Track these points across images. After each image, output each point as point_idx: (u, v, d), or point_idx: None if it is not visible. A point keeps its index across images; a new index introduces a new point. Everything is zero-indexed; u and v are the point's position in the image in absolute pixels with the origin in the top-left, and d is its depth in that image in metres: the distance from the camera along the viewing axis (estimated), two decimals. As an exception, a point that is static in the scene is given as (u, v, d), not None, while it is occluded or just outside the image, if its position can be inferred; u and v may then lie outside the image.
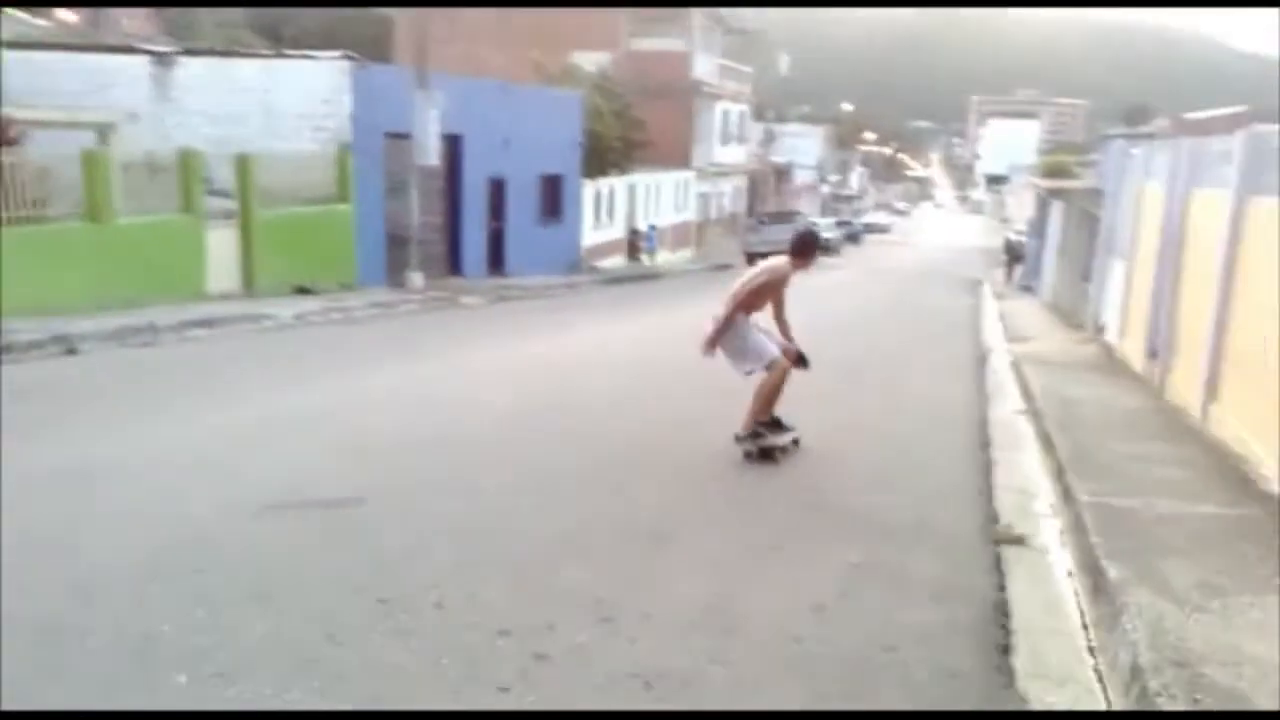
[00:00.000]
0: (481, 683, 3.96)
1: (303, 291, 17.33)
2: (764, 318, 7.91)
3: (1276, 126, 8.22)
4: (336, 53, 20.04)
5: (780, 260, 7.83)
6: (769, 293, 7.87)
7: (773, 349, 7.68)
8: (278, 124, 19.12)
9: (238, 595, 4.69)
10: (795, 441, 7.80)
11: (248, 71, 19.86)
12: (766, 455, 7.51)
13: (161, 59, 19.92)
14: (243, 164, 16.90)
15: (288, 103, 19.28)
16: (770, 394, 7.58)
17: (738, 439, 7.58)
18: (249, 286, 16.84)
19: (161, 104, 19.44)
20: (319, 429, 8.17)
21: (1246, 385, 7.62)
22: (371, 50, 27.62)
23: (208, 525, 5.63)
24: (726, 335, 7.66)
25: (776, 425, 7.68)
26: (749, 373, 7.67)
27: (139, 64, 19.79)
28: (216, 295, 15.91)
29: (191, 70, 19.71)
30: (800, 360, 7.93)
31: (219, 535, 5.49)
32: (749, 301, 7.75)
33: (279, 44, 36.01)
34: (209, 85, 19.42)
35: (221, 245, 16.47)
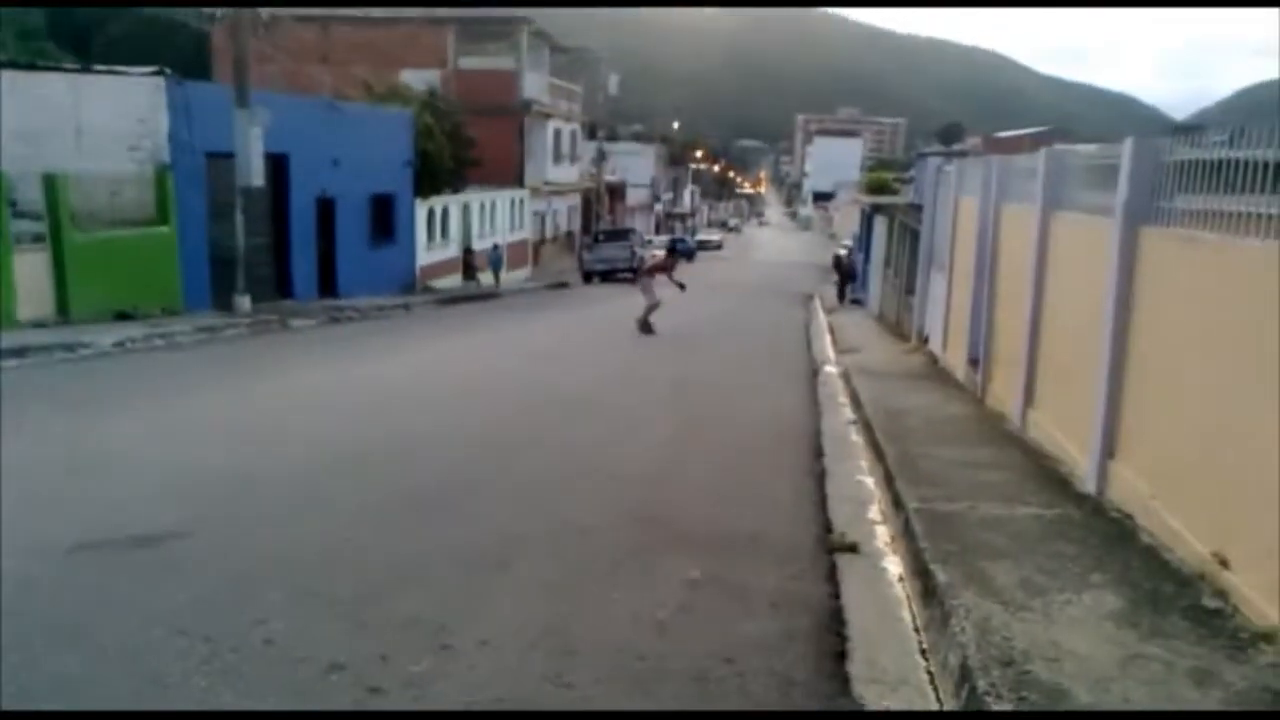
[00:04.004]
0: (313, 720, 3.82)
1: (124, 317, 16.64)
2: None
3: (1074, 145, 8.68)
4: (150, 69, 19.21)
5: (662, 258, 20.38)
6: (658, 272, 19.35)
7: (656, 295, 18.45)
8: (89, 143, 18.23)
9: (53, 639, 4.43)
10: (651, 329, 18.06)
11: (53, 87, 18.78)
12: (648, 330, 18.00)
13: (-47, 72, 18.72)
14: (52, 184, 16.10)
15: (99, 121, 18.40)
16: (648, 314, 18.13)
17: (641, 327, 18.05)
18: (64, 313, 16.04)
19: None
20: (138, 461, 7.79)
21: (1060, 391, 8.01)
22: (189, 67, 26.61)
23: (20, 566, 5.29)
24: (645, 287, 18.63)
25: (648, 328, 17.96)
26: (648, 303, 18.25)
27: (-74, 77, 18.44)
28: (28, 323, 15.09)
29: (-12, 84, 18.54)
30: (681, 286, 19.98)
31: (33, 575, 5.18)
32: (650, 274, 19.19)
33: (86, 58, 34.32)
34: (9, 101, 18.21)
35: (31, 270, 15.65)
